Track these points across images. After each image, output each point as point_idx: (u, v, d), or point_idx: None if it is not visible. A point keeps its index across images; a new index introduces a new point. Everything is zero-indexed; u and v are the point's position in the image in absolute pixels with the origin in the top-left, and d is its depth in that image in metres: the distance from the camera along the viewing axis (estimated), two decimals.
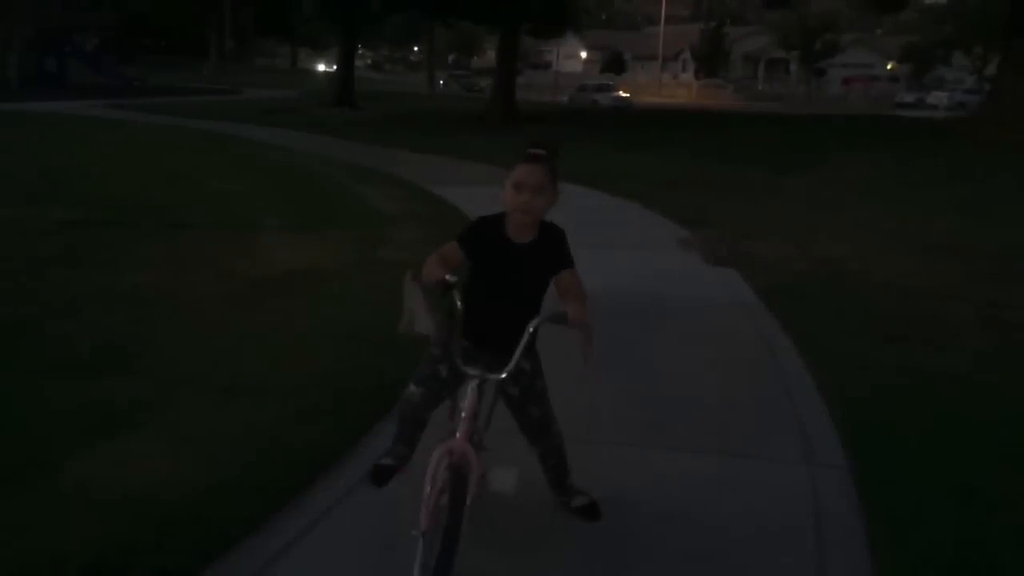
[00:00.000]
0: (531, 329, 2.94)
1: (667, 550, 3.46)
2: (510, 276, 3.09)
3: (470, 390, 2.95)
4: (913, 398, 5.20)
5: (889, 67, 73.73)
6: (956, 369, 5.74)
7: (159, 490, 3.73)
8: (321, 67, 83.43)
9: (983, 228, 10.87)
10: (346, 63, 38.74)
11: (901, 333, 6.48)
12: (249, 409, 4.66)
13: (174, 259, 8.14)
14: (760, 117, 32.42)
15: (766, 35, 75.55)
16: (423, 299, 3.02)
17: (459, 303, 2.88)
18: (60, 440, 4.21)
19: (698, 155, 19.01)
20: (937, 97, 52.24)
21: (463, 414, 2.95)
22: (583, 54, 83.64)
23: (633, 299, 7.20)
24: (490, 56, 56.55)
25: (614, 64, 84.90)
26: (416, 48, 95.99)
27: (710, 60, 75.29)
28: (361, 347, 5.74)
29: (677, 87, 69.79)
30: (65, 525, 3.44)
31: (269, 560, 3.34)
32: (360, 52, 69.84)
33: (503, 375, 2.94)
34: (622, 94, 49.66)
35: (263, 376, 5.17)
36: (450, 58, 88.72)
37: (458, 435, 2.90)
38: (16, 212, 10.00)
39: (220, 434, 4.35)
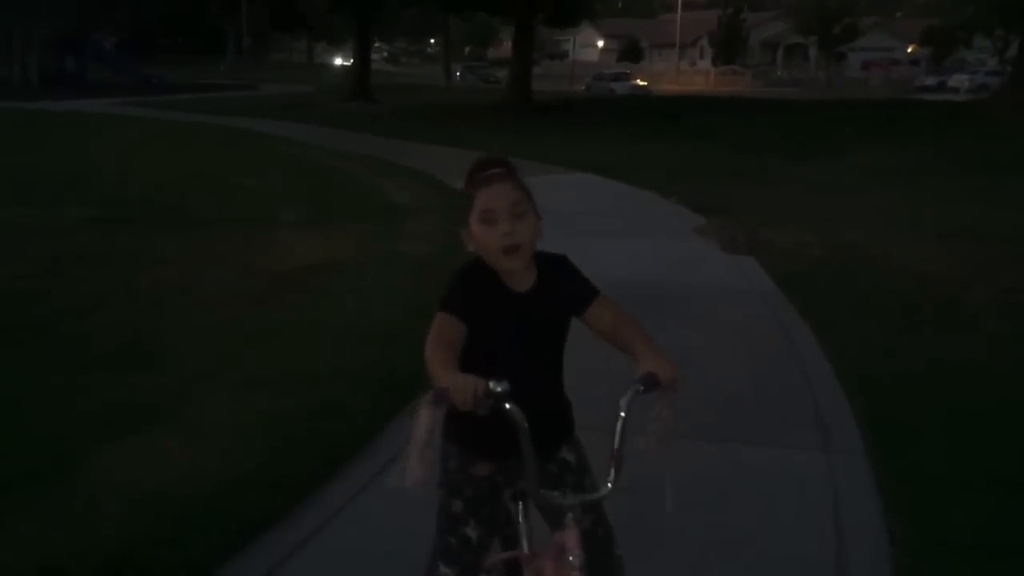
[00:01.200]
0: (623, 414, 2.06)
1: (686, 537, 3.46)
2: (523, 340, 2.20)
3: (571, 528, 2.07)
4: (931, 384, 5.17)
5: (909, 50, 72.97)
6: (975, 355, 5.69)
7: (179, 484, 3.77)
8: (338, 61, 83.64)
9: (1003, 213, 10.75)
10: (362, 57, 38.80)
11: (920, 319, 6.44)
12: (267, 404, 4.70)
13: (193, 255, 8.21)
14: (778, 103, 32.21)
15: (784, 21, 74.92)
16: (429, 432, 2.00)
17: (520, 417, 1.97)
18: (82, 435, 4.26)
19: (716, 143, 18.93)
20: (959, 80, 51.66)
21: (572, 559, 2.03)
22: (599, 43, 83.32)
23: (650, 288, 7.18)
24: (506, 47, 56.51)
25: (631, 52, 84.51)
26: (432, 40, 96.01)
27: (728, 47, 74.71)
28: (378, 341, 5.77)
29: (695, 74, 69.36)
30: (88, 519, 3.49)
31: (287, 555, 3.38)
32: (376, 45, 69.88)
33: (605, 491, 2.10)
34: (639, 82, 49.49)
35: (281, 371, 5.20)
36: (466, 50, 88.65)
37: None
38: (37, 211, 10.10)
39: (238, 429, 4.39)
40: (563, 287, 2.28)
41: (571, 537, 2.04)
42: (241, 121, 25.22)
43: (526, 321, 2.21)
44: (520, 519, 2.37)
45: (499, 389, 1.89)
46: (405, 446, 2.02)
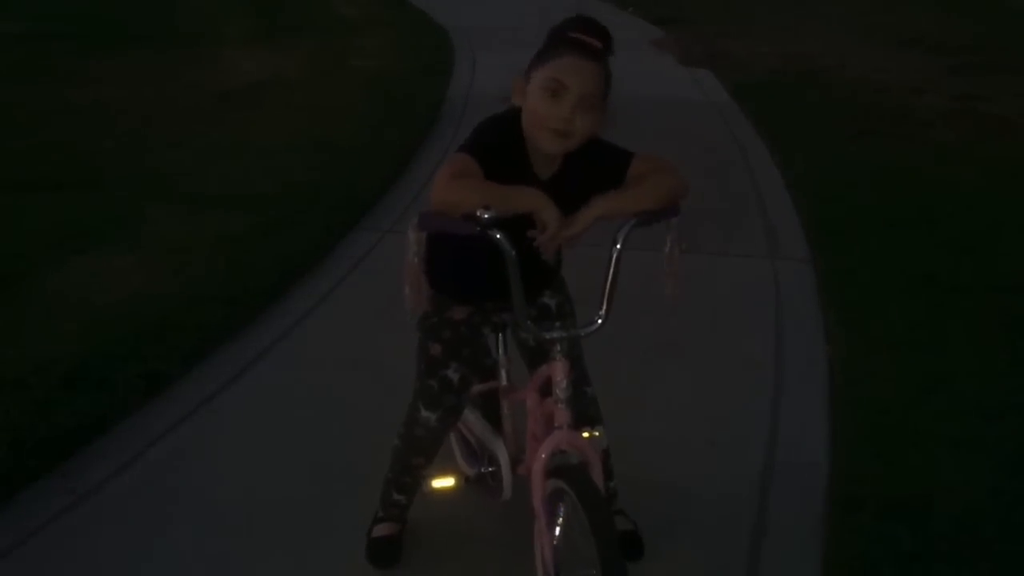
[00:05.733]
0: (618, 246, 1.95)
1: (635, 339, 3.58)
2: (532, 225, 1.86)
3: (558, 360, 1.97)
4: (878, 191, 5.26)
5: None
6: (923, 162, 5.78)
7: (135, 301, 3.78)
8: None
9: (961, 20, 10.64)
10: None
11: (871, 128, 6.47)
12: (220, 221, 4.66)
13: (134, 72, 7.91)
14: None
15: None
16: (417, 256, 1.97)
17: (509, 247, 1.82)
18: (33, 255, 4.22)
19: None
20: None
21: (559, 392, 1.97)
22: None
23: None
24: None
25: None
26: None
27: None
28: (330, 157, 5.70)
29: None
30: (45, 334, 3.50)
31: (246, 366, 3.44)
32: None
33: (594, 327, 1.99)
34: None
35: (233, 188, 5.14)
36: None
37: (557, 424, 1.97)
38: None
39: (192, 246, 4.37)
40: (593, 171, 1.98)
41: (558, 368, 1.97)
42: None
43: None
44: (500, 351, 2.33)
45: (486, 216, 1.76)
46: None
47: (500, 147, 1.92)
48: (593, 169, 1.98)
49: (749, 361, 3.48)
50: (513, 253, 1.82)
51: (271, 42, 9.38)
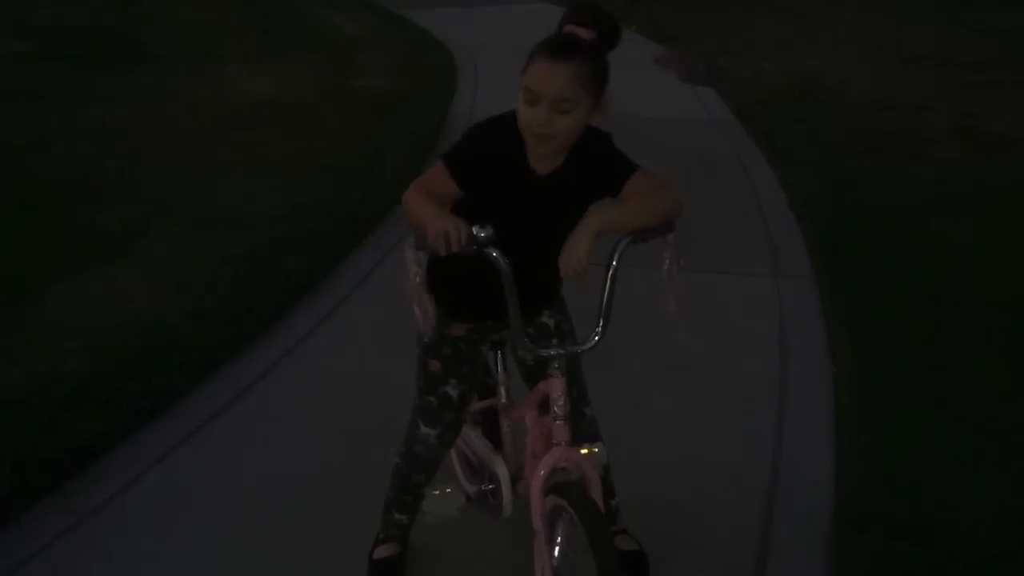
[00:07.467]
0: (614, 263, 1.94)
1: (638, 358, 3.58)
2: (528, 226, 1.92)
3: (556, 377, 1.99)
4: (882, 209, 5.26)
5: None
6: (925, 180, 5.78)
7: (138, 320, 3.78)
8: None
9: (966, 37, 10.66)
10: None
11: (874, 146, 6.48)
12: (223, 240, 4.66)
13: (137, 92, 7.93)
14: None
15: None
16: (421, 279, 1.95)
17: (504, 263, 1.84)
18: (37, 273, 4.23)
19: None
20: None
21: (556, 409, 1.98)
22: None
23: (609, 120, 7.10)
24: None
25: None
26: None
27: None
28: (333, 176, 5.71)
29: None
30: (48, 353, 3.49)
31: (249, 384, 3.44)
32: None
33: (591, 344, 2.00)
34: None
35: (236, 208, 5.14)
36: None
37: (556, 441, 1.98)
38: None
39: (196, 265, 4.37)
40: (593, 171, 1.97)
41: (556, 385, 1.98)
42: None
43: (537, 208, 1.95)
44: (498, 368, 2.33)
45: (483, 235, 1.76)
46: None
47: (493, 148, 1.93)
48: (596, 169, 1.98)
49: (753, 380, 3.47)
50: (509, 270, 1.84)
51: (274, 61, 9.41)
